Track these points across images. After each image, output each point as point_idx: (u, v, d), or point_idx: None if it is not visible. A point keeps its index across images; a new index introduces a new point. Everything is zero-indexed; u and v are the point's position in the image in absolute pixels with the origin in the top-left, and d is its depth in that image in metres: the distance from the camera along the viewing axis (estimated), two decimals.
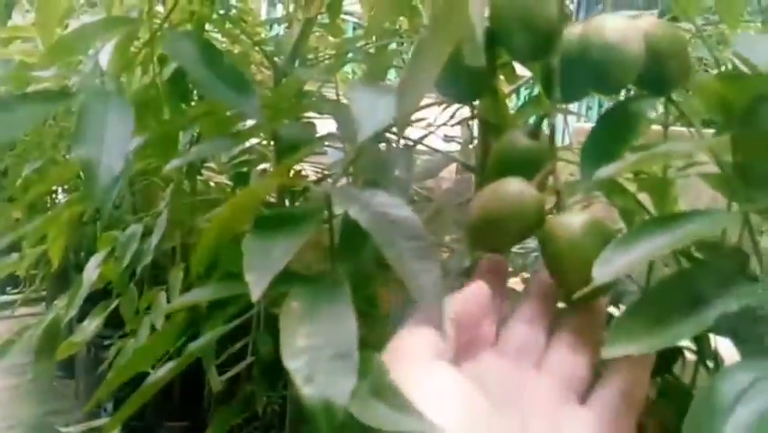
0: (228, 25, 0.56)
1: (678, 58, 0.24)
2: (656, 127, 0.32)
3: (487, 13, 0.26)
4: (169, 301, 0.61)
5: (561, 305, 0.25)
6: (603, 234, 0.23)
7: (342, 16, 0.80)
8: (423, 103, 0.33)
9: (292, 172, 0.57)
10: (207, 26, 0.55)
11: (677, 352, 0.30)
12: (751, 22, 0.48)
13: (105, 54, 0.32)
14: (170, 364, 0.25)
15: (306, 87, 0.69)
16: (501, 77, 0.39)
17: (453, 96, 0.27)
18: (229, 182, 0.69)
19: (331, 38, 0.67)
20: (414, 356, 0.19)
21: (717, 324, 0.21)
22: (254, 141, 0.56)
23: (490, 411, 0.19)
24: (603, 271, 0.20)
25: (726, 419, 0.18)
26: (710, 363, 0.29)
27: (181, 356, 0.25)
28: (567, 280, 0.23)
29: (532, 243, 0.35)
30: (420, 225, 0.21)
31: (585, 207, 0.34)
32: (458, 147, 0.49)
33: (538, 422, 0.21)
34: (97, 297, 0.62)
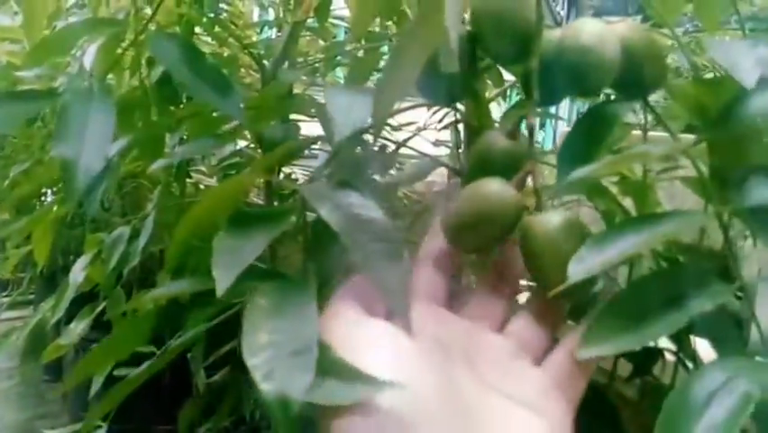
0: (217, 28, 0.56)
1: (654, 62, 0.25)
2: (638, 132, 0.33)
3: (467, 16, 0.26)
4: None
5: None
6: (580, 232, 0.23)
7: (333, 21, 0.80)
8: (410, 104, 0.33)
9: (282, 175, 0.57)
10: (197, 29, 0.55)
11: (657, 353, 0.31)
12: (734, 29, 0.48)
13: (89, 55, 0.32)
14: (150, 362, 0.25)
15: (296, 91, 0.70)
16: (488, 80, 0.39)
17: (433, 98, 0.27)
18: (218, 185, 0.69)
19: (321, 41, 0.68)
20: (341, 315, 0.20)
21: (693, 324, 0.21)
22: (243, 144, 0.56)
23: (423, 355, 0.19)
24: (578, 268, 0.20)
25: (699, 419, 0.18)
26: (690, 364, 0.29)
27: (163, 354, 0.25)
28: (545, 278, 0.23)
29: None
30: (391, 226, 0.22)
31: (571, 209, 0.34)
32: (448, 151, 0.49)
33: (487, 371, 0.21)
34: (85, 299, 0.62)
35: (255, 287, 0.21)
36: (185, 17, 0.49)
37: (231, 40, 0.58)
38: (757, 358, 0.21)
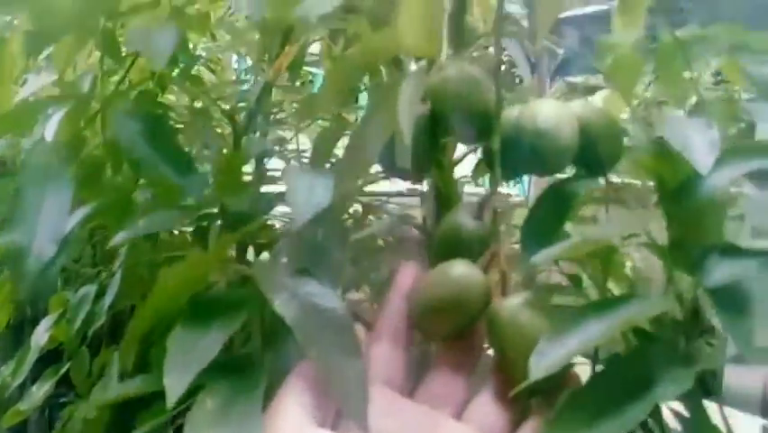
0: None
1: (611, 140, 0.25)
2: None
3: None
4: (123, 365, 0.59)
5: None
6: (547, 317, 0.22)
7: (310, 69, 0.81)
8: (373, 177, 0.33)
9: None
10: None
11: None
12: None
13: (52, 125, 0.32)
14: None
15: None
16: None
17: (397, 175, 0.27)
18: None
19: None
20: (288, 418, 0.19)
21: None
22: None
23: None
24: (539, 364, 0.20)
25: None
26: None
27: None
28: (509, 366, 0.23)
29: None
30: (347, 316, 0.21)
31: None
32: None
33: None
34: (51, 356, 0.60)
35: (203, 385, 0.20)
36: (156, 74, 0.49)
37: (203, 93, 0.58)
38: None
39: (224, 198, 0.30)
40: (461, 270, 0.23)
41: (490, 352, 0.25)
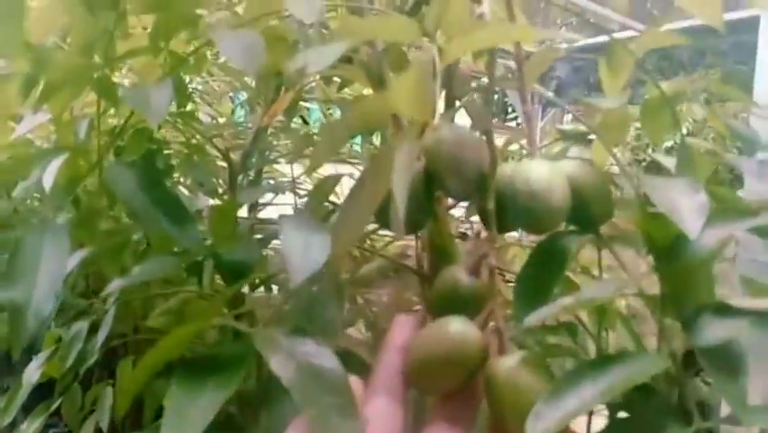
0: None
1: (602, 199, 0.25)
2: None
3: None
4: (115, 398, 0.59)
5: None
6: (542, 377, 0.23)
7: (306, 105, 0.82)
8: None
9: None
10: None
11: None
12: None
13: (50, 174, 0.32)
14: None
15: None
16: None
17: (392, 229, 0.27)
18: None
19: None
20: None
21: None
22: None
23: None
24: (536, 428, 0.20)
25: None
26: None
27: None
28: (508, 426, 0.23)
29: None
30: (345, 377, 0.21)
31: None
32: None
33: None
34: (43, 388, 0.59)
35: None
36: None
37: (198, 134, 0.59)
38: None
39: (219, 248, 0.30)
40: (457, 326, 0.24)
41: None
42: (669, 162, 0.32)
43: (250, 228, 0.39)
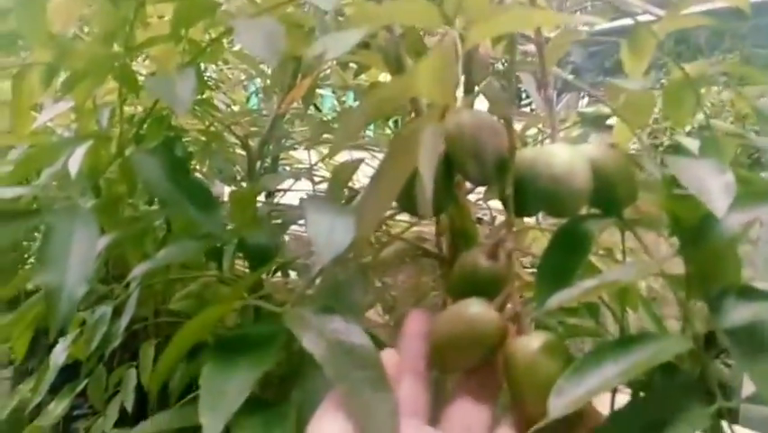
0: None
1: (625, 181, 0.25)
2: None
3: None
4: (139, 380, 0.60)
5: None
6: (561, 357, 0.23)
7: (321, 92, 0.82)
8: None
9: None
10: None
11: None
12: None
13: (75, 161, 0.32)
14: None
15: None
16: None
17: (415, 213, 0.27)
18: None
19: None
20: None
21: None
22: None
23: None
24: (558, 403, 0.20)
25: None
26: None
27: None
28: (525, 406, 0.23)
29: None
30: (375, 352, 0.22)
31: None
32: None
33: None
34: (68, 370, 0.61)
35: (235, 421, 0.20)
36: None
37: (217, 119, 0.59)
38: None
39: (242, 233, 0.30)
40: (476, 307, 0.24)
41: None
42: (691, 144, 0.32)
43: (268, 214, 0.40)
